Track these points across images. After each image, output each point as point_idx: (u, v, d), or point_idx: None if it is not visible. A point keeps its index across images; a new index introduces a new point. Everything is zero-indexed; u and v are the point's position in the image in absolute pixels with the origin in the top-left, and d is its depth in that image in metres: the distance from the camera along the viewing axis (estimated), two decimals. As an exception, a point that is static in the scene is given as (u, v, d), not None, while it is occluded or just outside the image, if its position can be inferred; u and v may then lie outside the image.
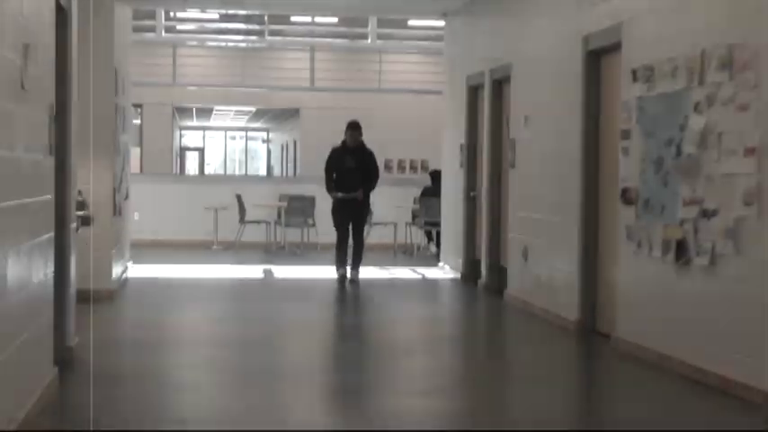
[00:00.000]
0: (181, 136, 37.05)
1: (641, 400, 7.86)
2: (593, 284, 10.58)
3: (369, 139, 13.80)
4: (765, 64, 7.35)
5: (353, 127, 14.78)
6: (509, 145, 13.19)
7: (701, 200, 8.12)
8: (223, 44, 24.35)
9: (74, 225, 8.84)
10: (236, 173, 39.49)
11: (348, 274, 14.82)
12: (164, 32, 22.62)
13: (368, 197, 14.98)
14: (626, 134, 9.52)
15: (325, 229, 16.98)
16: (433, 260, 17.98)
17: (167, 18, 22.50)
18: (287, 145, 34.14)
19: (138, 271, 15.51)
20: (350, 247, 14.88)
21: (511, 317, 12.19)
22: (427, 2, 15.95)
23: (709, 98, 8.04)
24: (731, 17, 7.85)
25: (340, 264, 14.84)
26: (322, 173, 14.92)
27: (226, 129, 40.15)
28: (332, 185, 14.80)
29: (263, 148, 40.96)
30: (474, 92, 15.25)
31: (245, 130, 40.15)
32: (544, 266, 11.71)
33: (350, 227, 14.91)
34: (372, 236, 18.91)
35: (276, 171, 36.72)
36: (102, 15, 12.60)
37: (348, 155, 14.71)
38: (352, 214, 14.85)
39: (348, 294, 13.86)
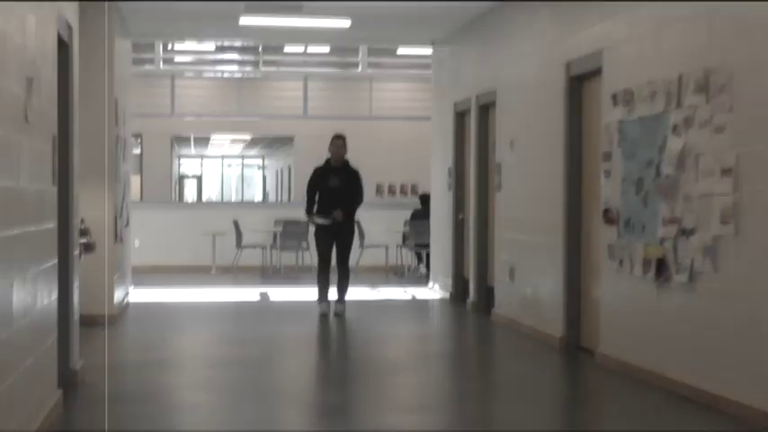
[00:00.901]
0: (179, 164, 37.01)
1: (625, 415, 7.86)
2: (578, 302, 10.59)
3: (360, 164, 13.03)
4: (740, 87, 7.38)
5: (338, 137, 13.35)
6: (495, 168, 13.21)
7: (680, 219, 8.14)
8: (219, 75, 24.39)
9: (77, 252, 8.84)
10: (233, 199, 39.41)
11: (332, 308, 13.27)
12: (162, 64, 22.68)
13: (352, 221, 13.55)
14: (607, 156, 9.55)
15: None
16: (423, 281, 17.96)
17: (165, 50, 22.56)
18: (281, 171, 34.13)
19: (139, 295, 15.48)
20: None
21: (498, 334, 12.18)
22: (415, 31, 15.98)
23: (686, 121, 8.06)
24: (707, 42, 7.88)
25: (321, 297, 13.26)
26: (315, 198, 13.79)
27: (222, 156, 40.10)
28: (312, 208, 13.31)
29: (258, 175, 40.93)
30: (461, 117, 15.27)
31: (242, 157, 40.11)
32: (530, 285, 11.72)
33: (333, 254, 13.36)
34: (364, 258, 18.91)
35: (271, 197, 36.68)
36: (103, 49, 12.62)
37: (332, 174, 13.25)
38: (335, 240, 13.30)
39: (340, 315, 13.18)
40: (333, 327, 12.43)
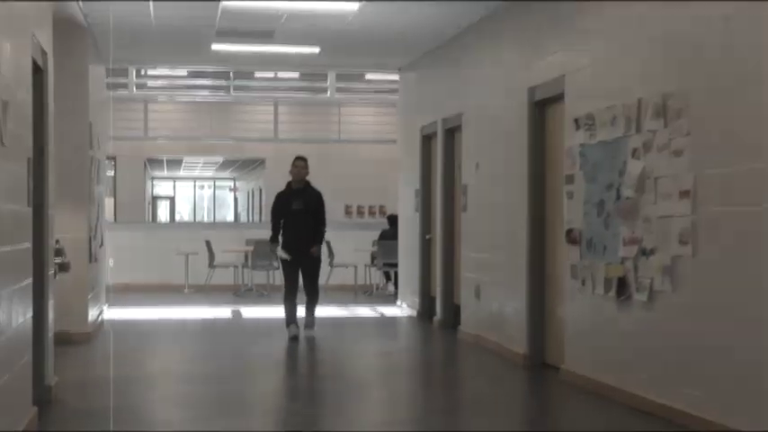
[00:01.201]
0: (152, 186, 36.89)
1: (588, 430, 7.87)
2: (542, 320, 10.59)
3: (330, 185, 13.00)
4: (697, 112, 7.43)
5: (299, 158, 12.98)
6: (461, 190, 13.23)
7: (640, 240, 8.17)
8: (191, 99, 24.34)
9: (51, 271, 8.79)
10: (205, 220, 39.31)
11: (302, 331, 12.86)
12: (135, 89, 22.61)
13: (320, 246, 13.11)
14: (570, 179, 9.58)
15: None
16: (392, 299, 17.96)
17: (138, 76, 22.50)
18: (253, 193, 34.08)
19: (113, 314, 15.39)
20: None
21: (464, 351, 12.18)
22: (383, 57, 16.01)
23: (645, 145, 8.10)
24: (664, 69, 7.93)
25: (289, 320, 12.83)
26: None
27: (195, 178, 40.03)
28: (276, 237, 12.99)
29: (230, 197, 40.86)
30: (427, 140, 15.30)
31: (214, 179, 40.04)
32: (495, 303, 11.73)
33: (299, 278, 12.97)
34: (333, 277, 18.88)
35: (243, 218, 36.60)
36: (77, 74, 12.59)
37: (294, 197, 12.85)
38: (302, 264, 12.91)
39: (311, 335, 12.88)
40: (303, 344, 12.38)
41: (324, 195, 13.11)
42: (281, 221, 12.96)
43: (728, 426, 6.92)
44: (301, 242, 12.79)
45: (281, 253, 12.99)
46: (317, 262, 13.05)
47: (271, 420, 8.40)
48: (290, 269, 12.94)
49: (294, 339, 12.53)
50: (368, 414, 8.64)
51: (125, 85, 22.06)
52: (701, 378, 7.33)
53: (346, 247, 19.30)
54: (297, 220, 12.78)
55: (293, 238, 12.83)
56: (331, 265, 17.65)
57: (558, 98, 10.00)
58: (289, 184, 13.01)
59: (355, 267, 19.85)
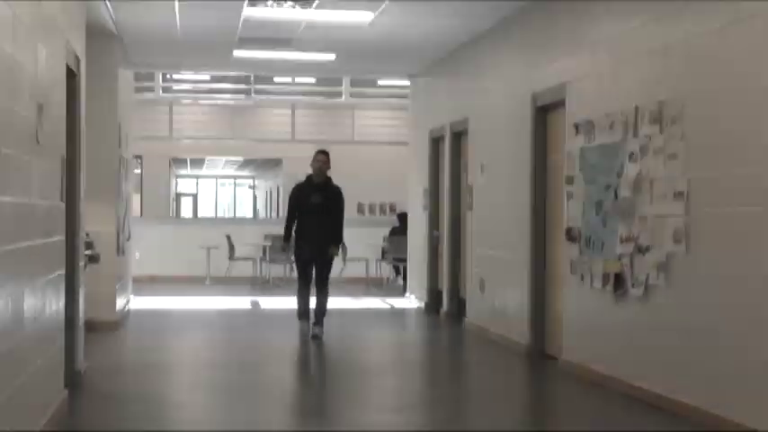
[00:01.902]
0: (177, 183, 36.90)
1: (585, 416, 7.88)
2: (542, 313, 10.59)
3: (343, 184, 12.07)
4: (691, 118, 7.42)
5: (321, 152, 11.91)
6: (467, 190, 13.23)
7: (636, 237, 8.17)
8: (214, 102, 24.35)
9: (82, 263, 8.82)
10: (226, 216, 39.31)
11: (311, 330, 11.75)
12: (161, 92, 22.64)
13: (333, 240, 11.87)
14: (570, 180, 9.57)
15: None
16: (400, 292, 17.96)
17: (164, 80, 22.52)
18: (271, 191, 34.06)
19: (139, 303, 15.42)
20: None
21: (469, 342, 12.18)
22: (394, 64, 16.00)
23: (642, 149, 8.10)
24: (660, 77, 7.92)
25: (300, 313, 11.87)
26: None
27: (217, 177, 40.01)
28: (290, 232, 11.79)
29: (249, 194, 40.84)
30: (436, 143, 15.29)
31: (234, 177, 40.02)
32: (498, 297, 11.72)
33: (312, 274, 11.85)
34: (347, 270, 18.87)
35: (261, 214, 36.58)
36: (108, 78, 12.61)
37: (314, 191, 11.72)
38: (316, 261, 11.80)
39: (318, 338, 11.63)
40: (311, 329, 12.40)
41: None
42: (296, 215, 11.87)
43: (717, 413, 6.92)
44: (317, 238, 11.69)
45: (295, 245, 11.83)
46: (329, 260, 11.90)
47: (286, 405, 8.41)
48: (303, 265, 11.90)
49: (304, 334, 11.74)
50: (377, 400, 8.64)
51: (152, 89, 22.10)
52: (691, 369, 7.33)
53: (358, 242, 19.27)
54: (314, 216, 11.66)
55: (309, 232, 11.72)
56: (344, 259, 17.63)
57: (560, 104, 9.99)
58: (309, 177, 11.89)
59: (366, 261, 19.87)
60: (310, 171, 11.87)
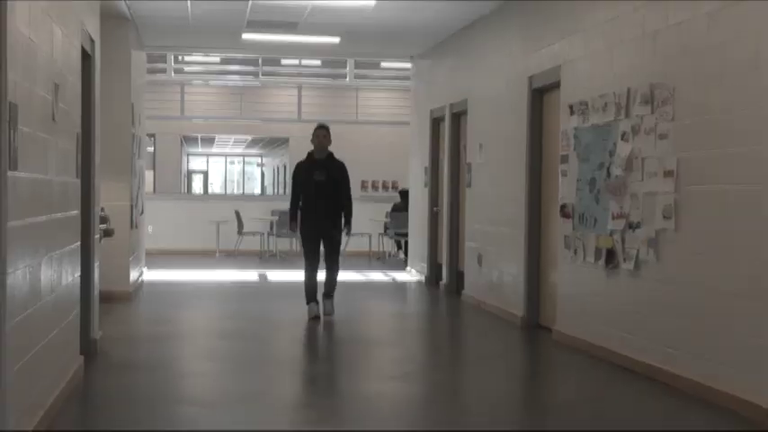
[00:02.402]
0: (188, 161, 36.93)
1: (576, 384, 7.90)
2: (537, 286, 10.61)
3: (347, 162, 11.35)
4: (680, 100, 7.41)
5: (320, 127, 11.06)
6: (466, 168, 13.23)
7: (627, 214, 8.17)
8: (224, 83, 24.34)
9: (97, 236, 8.83)
10: (235, 192, 39.37)
11: (321, 309, 11.01)
12: (173, 73, 22.61)
13: (341, 219, 11.09)
14: (564, 159, 9.57)
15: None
16: (402, 265, 17.98)
17: (176, 61, 22.49)
18: (278, 168, 34.09)
19: (151, 275, 15.45)
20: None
21: (467, 313, 12.21)
22: (397, 47, 15.97)
23: (633, 129, 8.09)
24: (652, 61, 7.91)
25: (309, 297, 11.00)
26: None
27: (226, 155, 40.05)
28: (295, 214, 11.04)
29: (257, 171, 40.89)
30: (436, 123, 15.28)
31: (243, 155, 40.05)
32: (495, 271, 11.74)
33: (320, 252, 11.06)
34: (350, 245, 18.90)
35: (269, 191, 36.64)
36: (121, 59, 12.61)
37: (316, 168, 10.86)
38: (324, 238, 11.00)
39: (330, 314, 11.03)
40: (322, 305, 12.43)
41: None
42: (300, 194, 11.04)
43: (702, 382, 6.94)
44: (323, 215, 10.91)
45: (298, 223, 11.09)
46: (337, 234, 11.10)
47: (292, 372, 8.43)
48: (310, 244, 11.02)
49: (315, 319, 10.85)
50: (379, 368, 8.67)
51: (164, 70, 22.08)
52: (679, 340, 7.34)
53: (361, 218, 19.25)
54: (318, 193, 10.83)
55: (315, 211, 10.91)
56: (348, 234, 17.64)
57: (555, 86, 9.98)
58: (310, 154, 11.02)
59: (370, 236, 19.90)
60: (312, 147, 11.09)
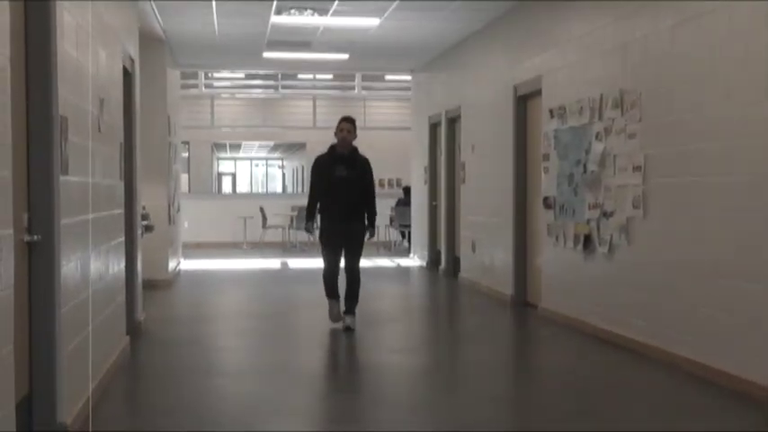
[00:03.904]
0: (218, 164, 36.91)
1: (559, 352, 7.91)
2: (524, 268, 10.62)
3: None
4: (647, 104, 7.41)
5: (345, 120, 8.79)
6: (460, 166, 13.23)
7: (602, 204, 8.17)
8: (248, 95, 24.34)
9: (139, 231, 8.85)
10: (259, 191, 39.34)
11: (342, 320, 8.79)
12: (204, 88, 22.62)
13: (364, 220, 8.79)
14: (546, 157, 9.57)
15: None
16: (406, 252, 18.00)
17: (206, 77, 22.50)
18: (296, 169, 34.07)
19: (187, 265, 15.48)
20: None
21: (463, 293, 12.21)
22: (398, 62, 15.97)
23: (606, 130, 8.09)
24: (621, 70, 7.90)
25: (332, 308, 8.91)
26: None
27: (251, 158, 40.01)
28: (313, 215, 8.77)
29: (279, 173, 40.86)
30: (434, 128, 15.27)
31: (266, 159, 40.02)
32: (487, 255, 11.75)
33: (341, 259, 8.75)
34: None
35: (289, 189, 36.62)
36: (158, 77, 12.63)
37: (339, 163, 8.66)
38: (345, 241, 8.69)
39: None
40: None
41: None
42: (320, 192, 8.75)
43: (666, 348, 6.95)
44: (345, 217, 8.68)
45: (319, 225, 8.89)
46: (360, 237, 8.77)
47: (311, 347, 8.44)
48: (329, 248, 8.71)
49: (337, 320, 8.86)
50: (385, 341, 8.67)
51: (196, 85, 22.08)
52: (648, 313, 7.35)
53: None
54: (340, 191, 8.62)
55: (335, 211, 8.68)
56: (370, 237, 17.65)
57: (537, 93, 9.98)
58: (332, 147, 8.80)
59: (378, 227, 19.87)
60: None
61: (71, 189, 5.11)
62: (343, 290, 8.81)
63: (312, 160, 9.11)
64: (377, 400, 6.08)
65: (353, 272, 8.76)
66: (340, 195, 8.64)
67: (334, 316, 8.91)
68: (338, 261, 8.75)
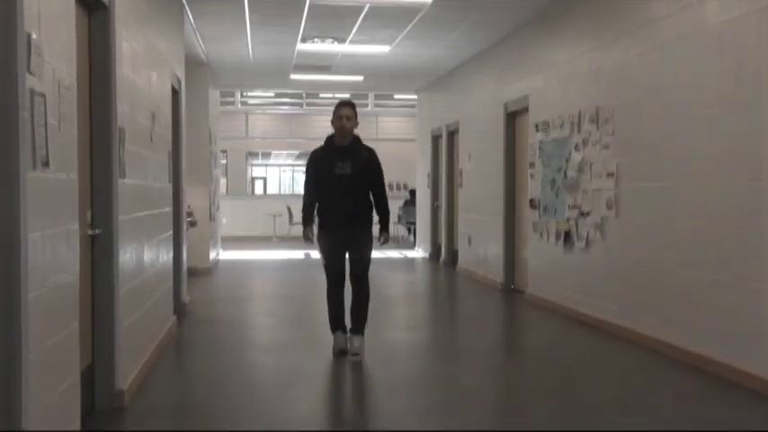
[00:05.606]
0: (251, 170, 36.93)
1: (542, 332, 7.89)
2: (513, 260, 10.61)
3: None
4: (618, 119, 7.40)
5: (343, 104, 6.34)
6: (458, 173, 13.22)
7: (580, 205, 8.16)
8: (277, 111, 24.35)
9: (185, 227, 8.87)
10: (286, 192, 39.35)
11: (348, 344, 6.34)
12: (239, 105, 22.64)
13: (371, 221, 6.33)
14: (532, 165, 9.56)
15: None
16: (412, 246, 17.98)
17: (241, 96, 22.54)
18: (318, 175, 34.05)
19: (225, 255, 15.51)
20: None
21: (460, 281, 12.20)
22: (406, 83, 15.96)
23: (584, 141, 8.08)
24: (596, 90, 7.89)
25: (335, 325, 6.46)
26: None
27: (280, 165, 40.04)
28: (310, 216, 6.31)
29: (303, 177, 40.88)
30: (436, 139, 15.27)
31: (293, 165, 40.01)
32: (481, 248, 11.74)
33: (345, 266, 6.36)
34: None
35: (312, 191, 36.60)
36: (201, 95, 12.65)
37: (338, 157, 6.22)
38: (348, 247, 6.30)
39: (359, 354, 6.64)
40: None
41: None
42: (317, 191, 6.31)
43: (634, 329, 6.94)
44: (347, 221, 6.27)
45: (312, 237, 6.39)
46: (367, 242, 6.32)
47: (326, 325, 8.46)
48: (332, 261, 6.34)
49: (341, 354, 6.33)
50: (393, 322, 8.68)
51: (233, 102, 22.11)
52: (619, 298, 7.34)
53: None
54: (340, 191, 6.21)
55: (336, 213, 6.25)
56: (386, 242, 17.68)
57: (524, 110, 9.97)
58: (329, 138, 6.38)
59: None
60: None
61: (127, 190, 5.14)
62: (349, 303, 6.46)
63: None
64: (386, 369, 6.08)
65: (361, 283, 6.30)
66: (340, 195, 6.20)
67: (337, 349, 6.35)
68: (344, 275, 6.37)
